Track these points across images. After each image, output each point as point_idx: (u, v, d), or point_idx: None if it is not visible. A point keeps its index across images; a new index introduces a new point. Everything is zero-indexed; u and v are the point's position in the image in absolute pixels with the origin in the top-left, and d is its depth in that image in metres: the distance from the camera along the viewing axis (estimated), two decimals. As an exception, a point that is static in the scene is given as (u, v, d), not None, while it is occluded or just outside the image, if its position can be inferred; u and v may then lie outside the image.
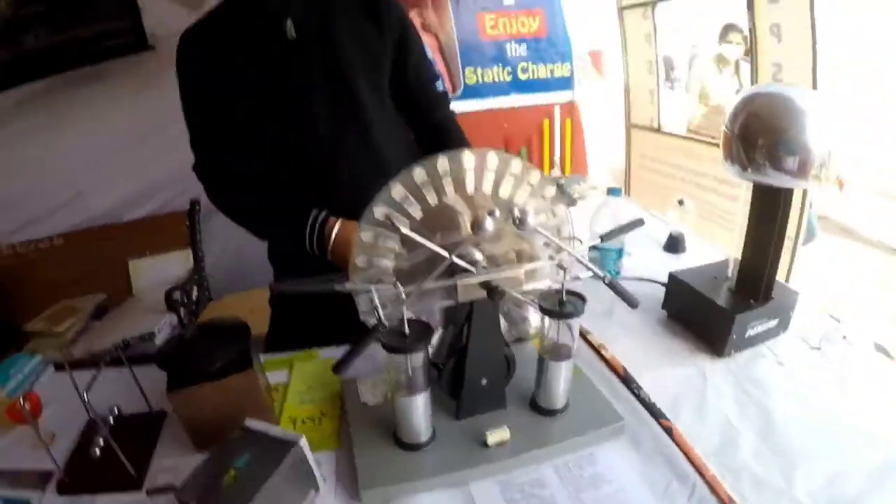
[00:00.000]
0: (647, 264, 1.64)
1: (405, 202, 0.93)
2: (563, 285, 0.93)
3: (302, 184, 1.39)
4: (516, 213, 0.85)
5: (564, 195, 2.18)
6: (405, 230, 0.89)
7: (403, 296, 0.88)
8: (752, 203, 1.18)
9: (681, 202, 1.76)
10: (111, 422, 1.08)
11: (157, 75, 2.92)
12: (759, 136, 1.06)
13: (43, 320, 2.95)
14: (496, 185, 0.96)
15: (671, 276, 1.36)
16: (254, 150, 1.39)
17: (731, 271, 1.27)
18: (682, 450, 0.98)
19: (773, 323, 1.23)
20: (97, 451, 1.02)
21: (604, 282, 0.96)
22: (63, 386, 0.96)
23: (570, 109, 3.18)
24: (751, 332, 1.21)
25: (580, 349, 1.28)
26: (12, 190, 3.13)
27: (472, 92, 1.71)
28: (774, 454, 0.98)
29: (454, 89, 3.01)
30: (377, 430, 1.05)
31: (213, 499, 0.83)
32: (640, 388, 1.12)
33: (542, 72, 3.12)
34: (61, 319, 2.93)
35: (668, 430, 1.02)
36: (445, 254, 0.88)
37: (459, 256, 0.92)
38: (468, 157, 0.92)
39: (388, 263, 0.98)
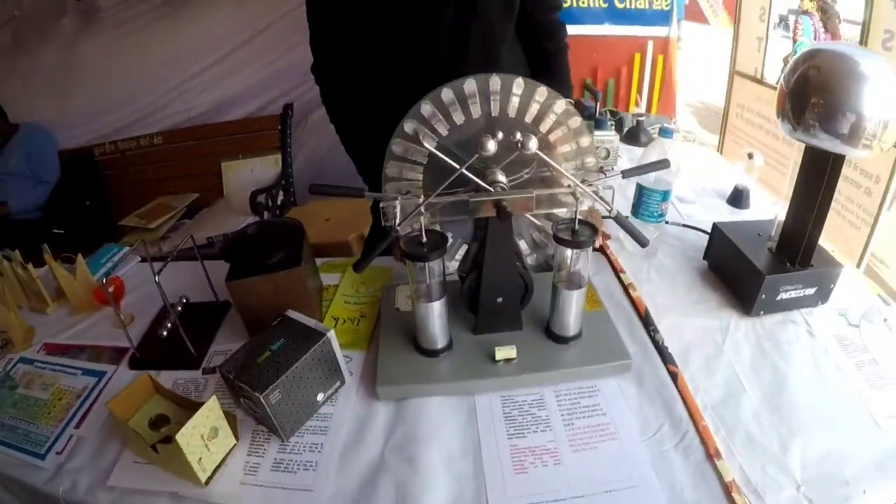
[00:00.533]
0: (708, 214, 1.61)
1: (433, 119, 0.98)
2: (576, 214, 0.96)
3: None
4: (518, 136, 0.88)
5: (643, 133, 2.15)
6: (427, 144, 0.95)
7: (422, 207, 0.94)
8: (801, 165, 1.13)
9: (750, 155, 1.69)
10: (180, 309, 1.20)
11: None
12: (813, 93, 1.00)
13: (138, 216, 3.21)
14: (521, 110, 0.99)
15: (714, 227, 1.33)
16: (374, 50, 1.38)
17: (775, 231, 1.23)
18: (681, 396, 1.01)
19: (810, 291, 1.19)
20: (164, 332, 1.14)
21: (611, 216, 0.97)
22: (148, 276, 1.07)
23: (664, 45, 3.02)
24: (784, 296, 1.18)
25: (611, 285, 1.31)
26: (124, 89, 3.40)
27: (565, 15, 1.65)
28: (776, 418, 0.98)
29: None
30: (403, 335, 1.13)
31: (248, 374, 0.95)
32: (656, 330, 1.14)
33: (640, 3, 2.94)
34: (155, 216, 3.17)
35: (674, 376, 1.05)
36: (456, 165, 0.93)
37: (482, 177, 0.97)
38: (495, 81, 0.95)
39: (416, 175, 1.03)
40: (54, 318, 1.40)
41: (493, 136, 0.88)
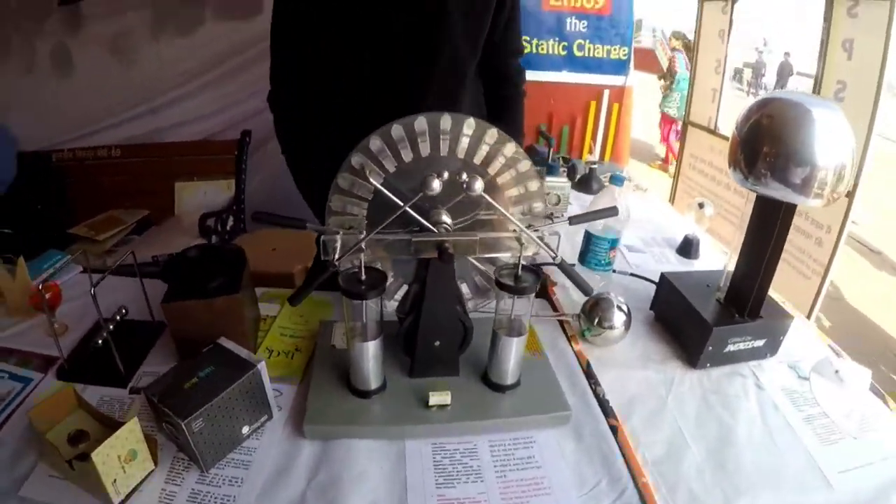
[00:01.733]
0: (657, 264, 1.62)
1: (381, 154, 0.96)
2: (519, 259, 0.94)
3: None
4: (464, 177, 0.86)
5: (595, 181, 2.16)
6: (373, 180, 0.93)
7: (363, 243, 0.92)
8: (752, 214, 1.13)
9: (701, 205, 1.70)
10: (118, 319, 1.17)
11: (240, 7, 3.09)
12: (766, 142, 1.00)
13: (87, 226, 3.16)
14: (470, 150, 0.97)
15: (662, 277, 1.33)
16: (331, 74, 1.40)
17: (724, 282, 1.22)
18: (621, 450, 0.98)
19: (759, 342, 1.19)
20: (95, 345, 1.11)
21: (555, 263, 0.96)
22: (87, 287, 1.03)
23: (620, 94, 3.07)
24: (731, 348, 1.17)
25: (555, 334, 1.29)
26: (94, 97, 3.37)
27: (523, 61, 1.67)
28: (721, 475, 0.96)
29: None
30: (336, 373, 1.10)
31: (172, 399, 0.92)
32: (598, 383, 1.13)
33: (598, 52, 3.00)
34: (105, 228, 3.12)
35: (614, 429, 1.02)
36: (400, 203, 0.90)
37: (427, 217, 0.95)
38: (445, 120, 0.93)
39: (360, 210, 1.01)
40: (-12, 318, 1.35)
41: (439, 175, 0.86)
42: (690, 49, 2.64)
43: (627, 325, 1.23)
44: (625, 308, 1.23)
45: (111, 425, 0.91)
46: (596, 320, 1.22)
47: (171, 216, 3.37)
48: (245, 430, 1.00)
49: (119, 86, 3.35)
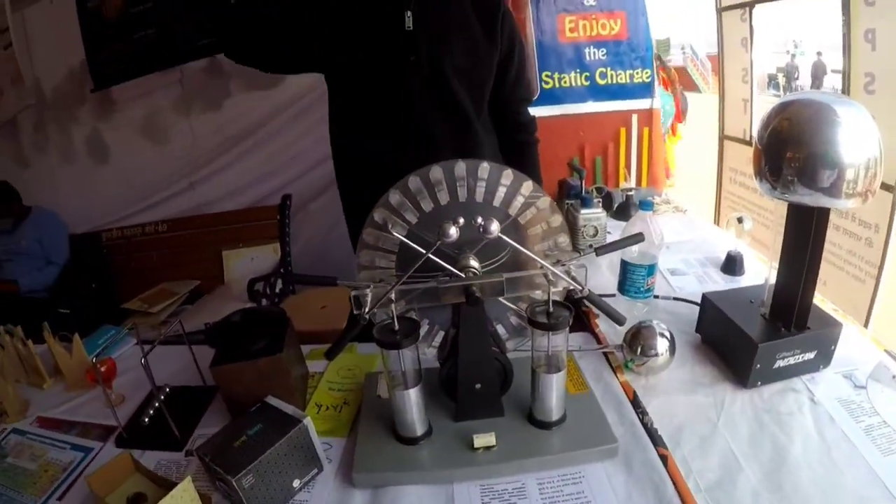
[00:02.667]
0: (701, 285, 1.59)
1: (402, 207, 0.98)
2: (549, 296, 0.94)
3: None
4: (479, 220, 0.88)
5: (633, 208, 2.14)
6: (396, 233, 0.95)
7: (391, 294, 0.93)
8: (787, 223, 1.11)
9: (740, 220, 1.67)
10: (167, 391, 1.23)
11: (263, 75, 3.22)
12: (788, 147, 0.98)
13: (141, 300, 3.28)
14: (488, 193, 0.99)
15: (704, 298, 1.30)
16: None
17: (766, 296, 1.20)
18: (672, 480, 0.96)
19: (809, 355, 1.15)
20: (146, 419, 1.17)
21: (582, 296, 0.96)
22: (141, 359, 1.09)
23: (648, 117, 3.01)
24: (781, 364, 1.14)
25: (599, 367, 1.28)
26: (135, 178, 3.55)
27: (548, 97, 1.66)
28: (777, 497, 0.92)
29: (532, 94, 2.85)
30: (382, 422, 1.11)
31: (223, 457, 0.96)
32: (645, 412, 1.11)
33: (621, 77, 2.96)
34: (158, 301, 3.23)
35: (664, 459, 1.00)
36: (422, 251, 0.92)
37: (454, 263, 0.96)
38: (460, 167, 0.96)
39: (388, 263, 1.03)
40: (50, 393, 1.42)
41: (455, 222, 0.88)
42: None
43: (672, 350, 1.20)
44: (667, 334, 1.21)
45: (168, 487, 0.94)
46: (639, 349, 1.20)
47: (220, 284, 3.47)
48: (296, 483, 1.01)
49: (156, 165, 3.52)
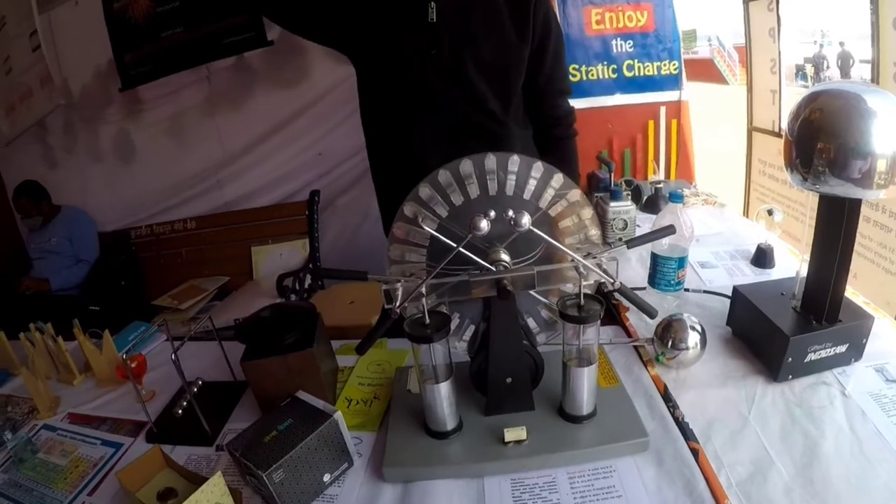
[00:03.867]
0: (732, 278, 1.58)
1: (432, 201, 0.99)
2: (580, 288, 0.94)
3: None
4: (510, 213, 0.88)
5: (662, 201, 2.12)
6: (426, 227, 0.95)
7: (423, 288, 0.94)
8: (818, 215, 1.09)
9: (770, 212, 1.65)
10: (199, 385, 1.23)
11: (283, 69, 3.24)
12: (819, 138, 0.96)
13: (170, 297, 3.34)
14: (518, 186, 0.99)
15: (735, 290, 1.29)
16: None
17: (798, 289, 1.18)
18: (704, 474, 0.95)
19: (841, 348, 1.13)
20: (180, 410, 1.17)
21: (613, 288, 0.95)
22: (171, 355, 1.10)
23: (676, 110, 3.01)
24: (812, 357, 1.12)
25: (630, 360, 1.27)
26: (164, 176, 3.59)
27: (576, 90, 1.65)
28: (808, 492, 0.91)
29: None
30: (413, 417, 1.11)
31: (253, 452, 0.97)
32: (676, 406, 1.10)
33: (648, 70, 2.95)
34: (187, 297, 3.28)
35: (695, 453, 0.99)
36: (453, 245, 0.92)
37: (485, 257, 0.96)
38: (490, 160, 0.96)
39: (419, 257, 1.04)
40: (81, 389, 1.45)
41: (486, 215, 0.88)
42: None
43: (703, 344, 1.20)
44: (698, 327, 1.20)
45: (198, 482, 0.95)
46: (669, 342, 1.19)
47: (249, 280, 3.50)
48: (327, 478, 1.02)
49: (183, 163, 3.56)
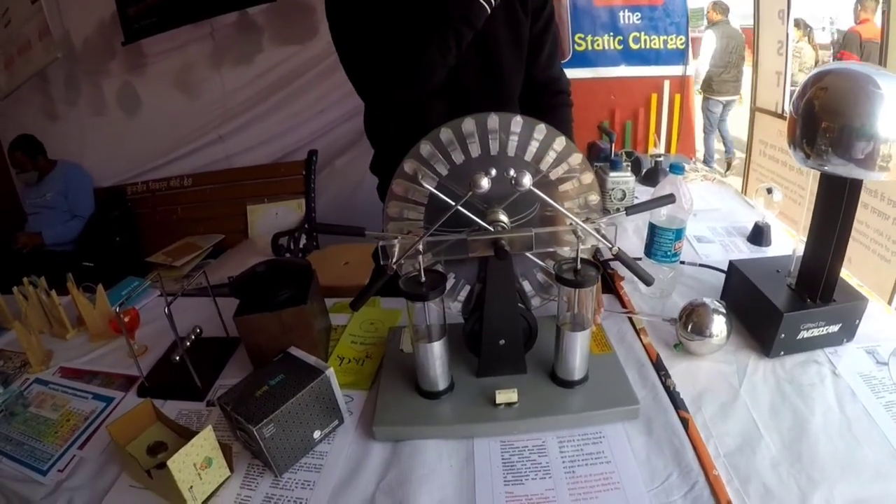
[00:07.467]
0: (727, 253, 1.58)
1: (433, 159, 0.97)
2: (577, 253, 0.94)
3: None
4: (511, 173, 0.87)
5: (661, 174, 2.10)
6: (426, 184, 0.94)
7: (420, 245, 0.93)
8: (818, 194, 1.09)
9: (769, 190, 1.64)
10: (193, 338, 1.22)
11: (291, 26, 3.21)
12: (824, 117, 0.96)
13: (164, 254, 3.34)
14: (520, 147, 0.98)
15: (731, 265, 1.29)
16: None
17: (793, 266, 1.18)
18: (692, 444, 0.96)
19: (833, 328, 1.14)
20: (176, 357, 1.16)
21: (611, 253, 0.95)
22: (165, 310, 1.10)
23: (680, 84, 3.00)
24: (805, 335, 1.13)
25: (623, 328, 1.28)
26: (164, 131, 3.59)
27: (580, 59, 1.63)
28: (795, 468, 0.91)
29: (563, 55, 2.84)
30: (404, 376, 1.11)
31: (244, 407, 0.96)
32: (668, 375, 1.10)
33: (654, 43, 2.93)
34: (182, 255, 3.29)
35: (685, 422, 1.00)
36: (452, 203, 0.92)
37: (483, 217, 0.96)
38: (493, 120, 0.94)
39: (417, 215, 1.03)
40: (73, 343, 1.44)
41: (487, 173, 0.87)
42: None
43: (728, 333, 1.16)
44: (724, 317, 1.15)
45: (188, 436, 0.95)
46: (690, 326, 1.16)
47: (244, 239, 3.51)
48: (317, 434, 1.02)
49: (186, 118, 3.53)
